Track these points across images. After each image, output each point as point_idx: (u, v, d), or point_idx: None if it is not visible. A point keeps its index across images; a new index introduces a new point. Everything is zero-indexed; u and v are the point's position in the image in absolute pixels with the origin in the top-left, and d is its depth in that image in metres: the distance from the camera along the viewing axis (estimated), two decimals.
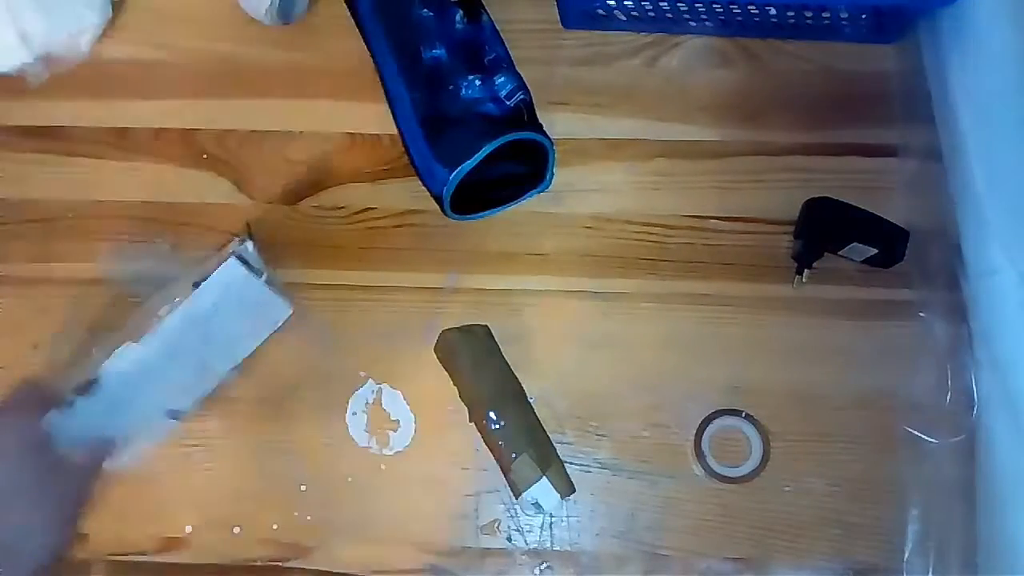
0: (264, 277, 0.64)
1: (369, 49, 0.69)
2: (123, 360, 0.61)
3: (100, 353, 0.63)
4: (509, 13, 0.70)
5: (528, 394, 0.66)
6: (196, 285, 0.62)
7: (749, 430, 0.65)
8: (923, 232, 0.66)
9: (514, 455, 0.62)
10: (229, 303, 0.63)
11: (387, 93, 0.68)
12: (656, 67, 0.71)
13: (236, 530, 0.66)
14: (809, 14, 0.66)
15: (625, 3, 0.67)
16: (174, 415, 0.65)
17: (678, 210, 0.69)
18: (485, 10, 0.68)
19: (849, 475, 0.65)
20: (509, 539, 0.66)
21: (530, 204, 0.69)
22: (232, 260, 0.63)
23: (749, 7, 0.66)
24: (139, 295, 0.68)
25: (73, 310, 0.69)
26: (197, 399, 0.65)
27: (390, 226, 0.70)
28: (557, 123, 0.69)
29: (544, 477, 0.62)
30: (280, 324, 0.67)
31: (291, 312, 0.66)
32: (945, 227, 0.65)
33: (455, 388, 0.66)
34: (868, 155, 0.69)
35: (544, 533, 0.65)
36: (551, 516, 0.66)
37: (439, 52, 0.65)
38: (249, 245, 0.64)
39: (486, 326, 0.67)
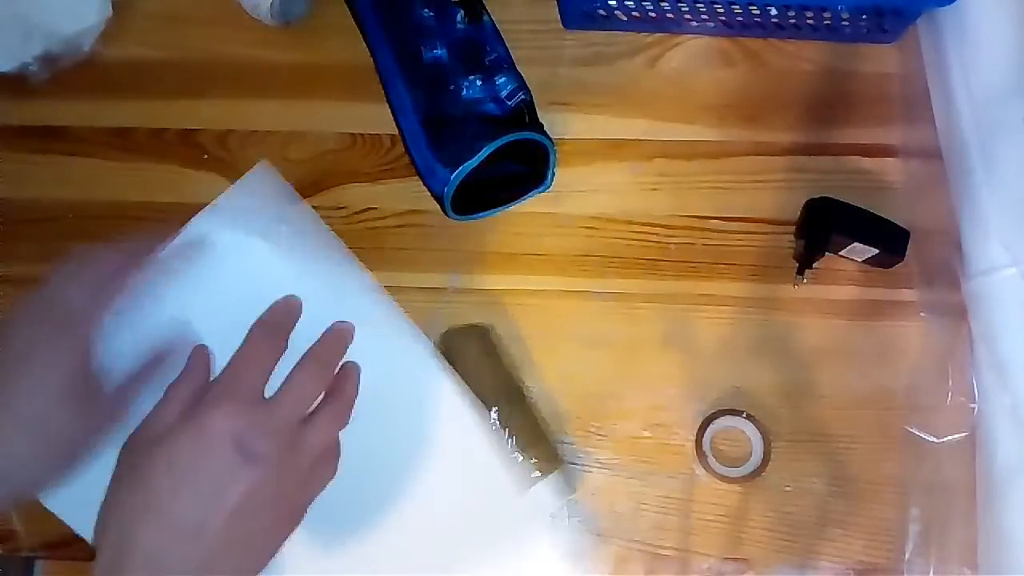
0: None
1: (369, 49, 0.69)
2: None
3: None
4: (510, 13, 0.70)
5: (528, 394, 0.66)
6: None
7: (750, 430, 0.65)
8: (923, 232, 0.66)
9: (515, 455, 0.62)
10: None
11: (387, 93, 0.68)
12: (656, 67, 0.71)
13: None
14: (810, 14, 0.66)
15: (626, 3, 0.67)
16: None
17: (678, 210, 0.69)
18: (486, 10, 0.68)
19: (849, 475, 0.65)
20: None
21: (530, 204, 0.69)
22: None
23: (750, 7, 0.66)
24: None
25: None
26: None
27: (391, 226, 0.70)
28: (558, 123, 0.69)
29: (545, 477, 0.62)
30: None
31: None
32: (945, 227, 0.64)
33: None
34: (868, 155, 0.69)
35: None
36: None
37: (440, 52, 0.65)
38: None
39: (487, 326, 0.67)
